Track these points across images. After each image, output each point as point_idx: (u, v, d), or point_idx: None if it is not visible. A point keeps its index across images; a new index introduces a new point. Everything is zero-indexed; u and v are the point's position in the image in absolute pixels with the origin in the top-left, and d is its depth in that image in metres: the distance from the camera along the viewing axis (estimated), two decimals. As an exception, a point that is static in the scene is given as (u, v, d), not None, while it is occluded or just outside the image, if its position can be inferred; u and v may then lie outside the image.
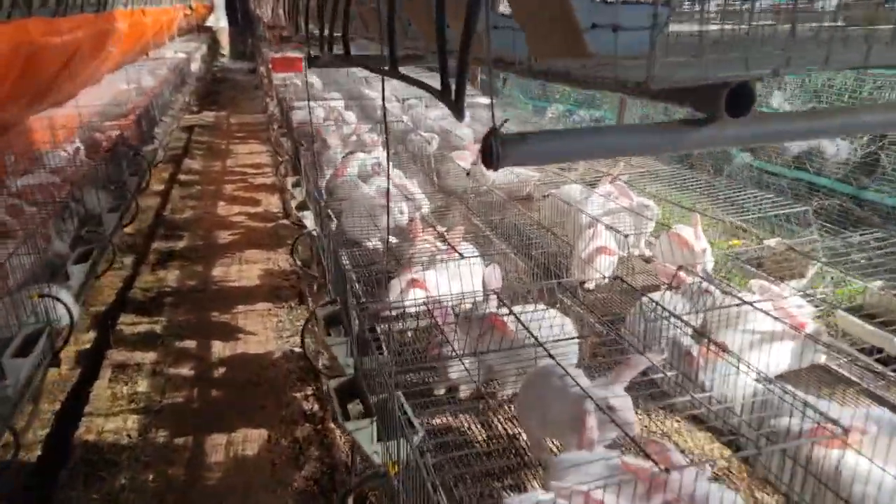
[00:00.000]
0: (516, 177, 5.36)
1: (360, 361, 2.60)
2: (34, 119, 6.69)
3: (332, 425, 3.98)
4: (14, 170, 5.33)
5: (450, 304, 2.84)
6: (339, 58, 2.32)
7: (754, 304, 2.75)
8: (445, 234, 3.97)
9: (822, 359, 3.10)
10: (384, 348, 2.86)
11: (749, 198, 3.96)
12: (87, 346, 5.09)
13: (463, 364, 2.44)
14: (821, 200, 5.19)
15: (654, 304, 2.75)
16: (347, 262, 4.44)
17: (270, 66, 10.59)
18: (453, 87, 1.24)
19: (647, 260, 4.28)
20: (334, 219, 4.55)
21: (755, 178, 7.07)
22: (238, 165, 10.41)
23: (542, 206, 4.82)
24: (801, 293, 3.23)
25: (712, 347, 2.55)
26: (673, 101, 1.00)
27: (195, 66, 14.59)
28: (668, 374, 2.16)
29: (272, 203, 8.49)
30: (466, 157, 5.62)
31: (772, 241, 3.70)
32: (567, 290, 2.87)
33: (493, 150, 0.92)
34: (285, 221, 7.67)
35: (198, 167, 10.31)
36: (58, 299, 3.49)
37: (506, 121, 1.27)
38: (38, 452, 3.92)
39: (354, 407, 2.45)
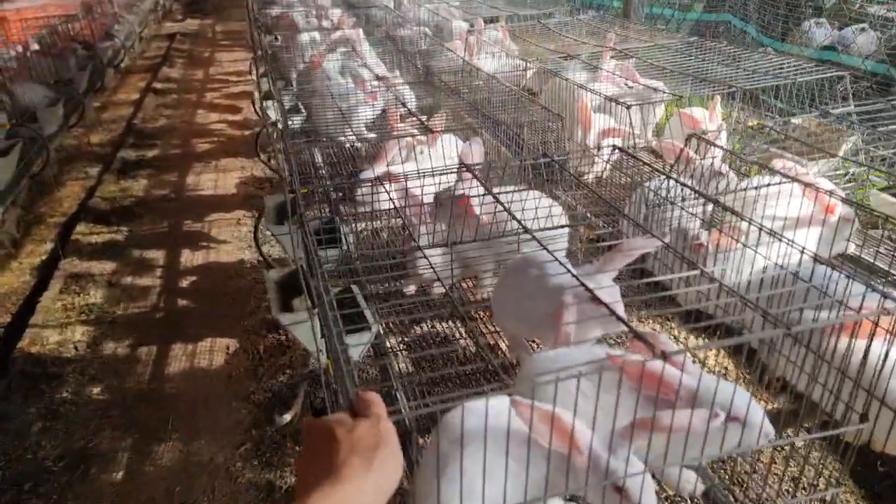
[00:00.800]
0: (512, 67, 4.75)
1: (309, 253, 2.16)
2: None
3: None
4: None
5: (420, 188, 2.35)
6: None
7: (792, 178, 2.25)
8: (426, 122, 3.44)
9: (850, 248, 2.65)
10: (343, 239, 2.42)
11: (777, 66, 3.38)
12: (44, 257, 4.69)
13: (424, 255, 1.98)
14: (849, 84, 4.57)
15: (661, 183, 2.26)
16: (320, 158, 3.93)
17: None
18: None
19: (656, 153, 3.74)
20: (302, 109, 4.01)
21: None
22: (220, 73, 9.72)
23: (541, 96, 4.25)
24: (833, 172, 2.74)
25: (725, 231, 2.09)
26: None
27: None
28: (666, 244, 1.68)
29: (251, 110, 7.88)
30: (459, 47, 4.99)
31: (798, 119, 3.16)
32: (560, 169, 2.37)
33: None
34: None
35: (176, 75, 9.63)
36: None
37: None
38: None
39: (301, 303, 2.03)
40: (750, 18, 7.08)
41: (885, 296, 1.27)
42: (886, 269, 2.23)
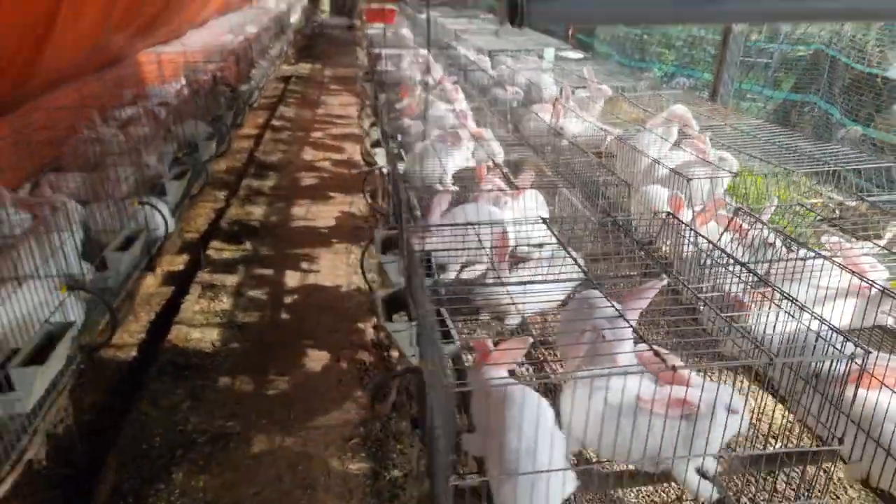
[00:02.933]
0: (595, 131, 5.30)
1: (408, 278, 2.76)
2: (145, 57, 7.21)
3: (395, 353, 4.20)
4: (125, 101, 5.81)
5: (509, 233, 2.90)
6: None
7: (821, 256, 2.68)
8: (511, 176, 4.03)
9: (888, 320, 2.97)
10: (434, 269, 2.96)
11: (833, 153, 3.75)
12: (181, 266, 5.57)
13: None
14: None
15: (711, 247, 2.74)
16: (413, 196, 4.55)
17: (364, 17, 10.83)
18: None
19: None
20: (403, 156, 4.69)
21: (866, 145, 6.59)
22: (328, 115, 10.77)
23: (617, 159, 4.76)
24: (877, 253, 3.10)
25: (765, 292, 2.52)
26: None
27: (294, 18, 15.08)
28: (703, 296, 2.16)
29: (355, 151, 8.77)
30: (548, 109, 5.59)
31: (853, 202, 3.52)
32: (621, 227, 2.90)
33: (519, 6, 1.00)
34: (366, 168, 7.95)
35: (291, 114, 10.75)
36: (155, 208, 3.86)
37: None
38: (134, 353, 4.39)
39: (400, 317, 2.62)
40: (835, 101, 7.31)
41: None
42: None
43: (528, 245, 2.79)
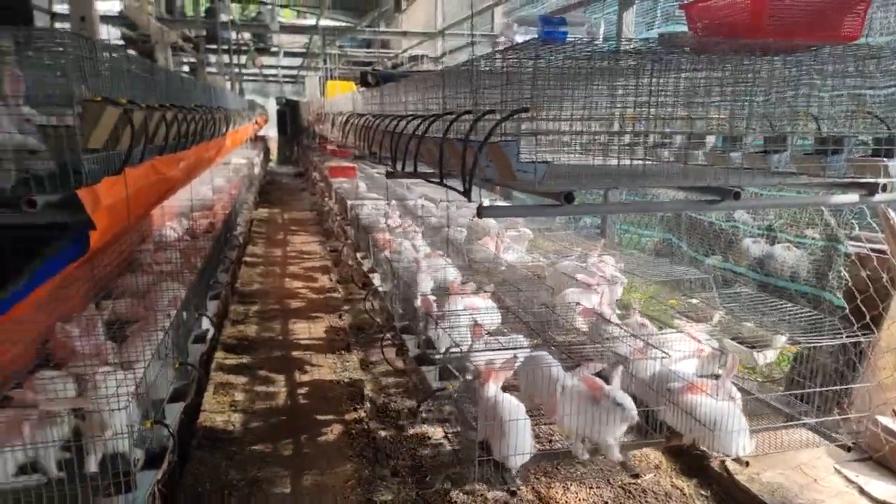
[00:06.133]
0: (531, 259, 7.14)
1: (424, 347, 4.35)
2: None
3: (373, 425, 5.56)
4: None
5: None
6: (409, 173, 4.15)
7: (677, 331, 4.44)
8: (482, 291, 5.72)
9: (718, 370, 4.70)
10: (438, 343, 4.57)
11: (678, 272, 5.75)
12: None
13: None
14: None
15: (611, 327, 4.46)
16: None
17: (327, 173, 12.88)
18: (470, 188, 3.05)
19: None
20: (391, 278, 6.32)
21: (720, 273, 8.71)
22: (294, 251, 12.41)
23: (546, 277, 6.55)
24: (707, 330, 4.90)
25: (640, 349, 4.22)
26: (549, 197, 2.79)
27: (257, 171, 17.09)
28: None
29: (323, 280, 10.35)
30: (489, 243, 7.43)
31: (694, 300, 5.38)
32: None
33: (479, 211, 2.71)
34: (335, 294, 9.51)
35: (260, 252, 12.32)
36: (208, 317, 5.29)
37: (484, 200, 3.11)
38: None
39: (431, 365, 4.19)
40: (683, 239, 9.59)
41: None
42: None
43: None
